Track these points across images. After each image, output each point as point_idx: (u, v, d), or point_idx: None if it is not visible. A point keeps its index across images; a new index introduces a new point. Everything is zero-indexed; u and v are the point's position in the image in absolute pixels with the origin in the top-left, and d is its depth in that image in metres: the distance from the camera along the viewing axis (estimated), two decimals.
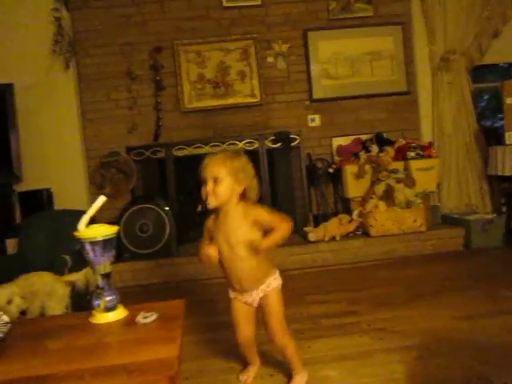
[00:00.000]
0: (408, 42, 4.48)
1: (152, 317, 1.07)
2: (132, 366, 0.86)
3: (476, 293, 2.73)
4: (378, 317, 2.48)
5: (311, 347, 2.17)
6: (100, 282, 1.12)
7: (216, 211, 1.67)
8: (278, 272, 1.80)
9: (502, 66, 5.00)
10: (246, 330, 1.79)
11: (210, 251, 1.63)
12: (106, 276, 1.12)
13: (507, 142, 3.91)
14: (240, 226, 1.63)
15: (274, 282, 1.76)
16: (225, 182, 1.57)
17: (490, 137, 4.49)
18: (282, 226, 1.62)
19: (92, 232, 1.09)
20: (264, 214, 1.65)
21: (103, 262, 1.10)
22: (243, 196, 1.65)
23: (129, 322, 1.09)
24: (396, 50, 4.46)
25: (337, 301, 2.78)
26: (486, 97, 5.54)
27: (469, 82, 4.50)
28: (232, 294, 1.80)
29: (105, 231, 1.09)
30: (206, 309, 2.83)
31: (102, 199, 1.10)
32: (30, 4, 4.03)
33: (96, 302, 1.11)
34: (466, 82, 4.48)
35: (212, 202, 1.58)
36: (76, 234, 1.10)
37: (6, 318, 1.00)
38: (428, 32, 4.49)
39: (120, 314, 1.12)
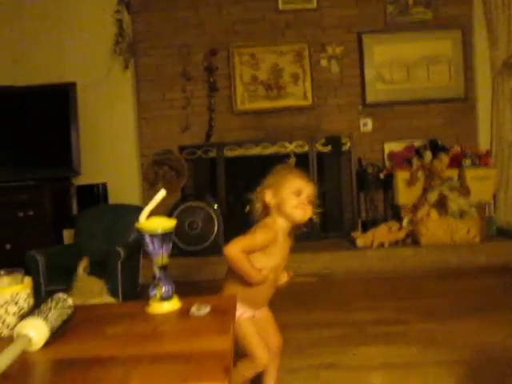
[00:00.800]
0: (467, 47, 4.33)
1: (206, 309, 1.09)
2: (188, 354, 0.89)
3: None
4: (426, 328, 2.41)
5: (356, 354, 2.14)
6: (157, 273, 1.16)
7: (275, 230, 1.54)
8: None
9: None
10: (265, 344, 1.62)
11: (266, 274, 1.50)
12: (164, 268, 1.16)
13: None
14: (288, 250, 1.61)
15: None
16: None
17: None
18: None
19: (152, 224, 1.13)
20: None
21: (161, 254, 1.14)
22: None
23: (183, 314, 1.12)
24: (454, 54, 4.33)
25: (384, 308, 2.73)
26: None
27: None
28: (248, 313, 1.59)
29: (164, 224, 1.13)
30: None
31: (162, 193, 1.14)
32: (93, 7, 4.22)
33: (152, 292, 1.15)
34: None
35: (309, 215, 1.53)
36: (137, 225, 1.14)
37: (70, 302, 1.06)
38: (490, 36, 4.32)
39: (175, 304, 1.15)
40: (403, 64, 4.32)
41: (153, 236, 1.13)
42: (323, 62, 4.35)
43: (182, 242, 3.68)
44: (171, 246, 1.16)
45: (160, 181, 4.03)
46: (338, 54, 4.34)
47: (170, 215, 3.77)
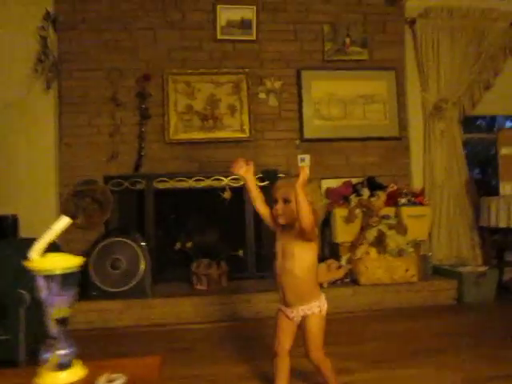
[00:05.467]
0: (401, 88, 4.42)
1: (118, 380, 0.80)
2: None
3: (476, 353, 2.51)
4: (374, 376, 2.21)
5: None
6: (53, 329, 0.85)
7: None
8: (323, 298, 1.88)
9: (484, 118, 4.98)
10: (284, 340, 1.91)
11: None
12: (62, 322, 0.85)
13: (501, 193, 3.79)
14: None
15: (316, 307, 1.84)
16: (293, 203, 1.80)
17: (481, 187, 4.41)
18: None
19: (48, 263, 0.83)
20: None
21: (59, 304, 0.84)
22: None
23: None
24: (389, 94, 4.39)
25: (329, 356, 2.50)
26: (477, 148, 5.50)
27: (460, 132, 4.44)
28: (279, 305, 1.93)
29: (65, 262, 0.84)
30: (182, 359, 2.51)
31: (63, 221, 0.86)
32: (16, 20, 3.86)
33: (45, 355, 0.84)
34: (457, 131, 4.43)
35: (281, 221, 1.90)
36: (27, 263, 0.83)
37: None
38: (421, 79, 4.46)
39: (76, 373, 0.84)
40: (340, 101, 4.31)
41: (49, 278, 0.83)
42: (261, 95, 4.23)
43: (102, 283, 3.25)
44: (75, 293, 0.86)
45: (81, 214, 3.61)
46: (277, 88, 4.25)
47: (90, 252, 3.36)
